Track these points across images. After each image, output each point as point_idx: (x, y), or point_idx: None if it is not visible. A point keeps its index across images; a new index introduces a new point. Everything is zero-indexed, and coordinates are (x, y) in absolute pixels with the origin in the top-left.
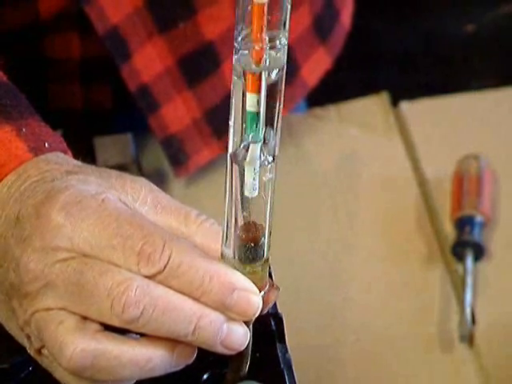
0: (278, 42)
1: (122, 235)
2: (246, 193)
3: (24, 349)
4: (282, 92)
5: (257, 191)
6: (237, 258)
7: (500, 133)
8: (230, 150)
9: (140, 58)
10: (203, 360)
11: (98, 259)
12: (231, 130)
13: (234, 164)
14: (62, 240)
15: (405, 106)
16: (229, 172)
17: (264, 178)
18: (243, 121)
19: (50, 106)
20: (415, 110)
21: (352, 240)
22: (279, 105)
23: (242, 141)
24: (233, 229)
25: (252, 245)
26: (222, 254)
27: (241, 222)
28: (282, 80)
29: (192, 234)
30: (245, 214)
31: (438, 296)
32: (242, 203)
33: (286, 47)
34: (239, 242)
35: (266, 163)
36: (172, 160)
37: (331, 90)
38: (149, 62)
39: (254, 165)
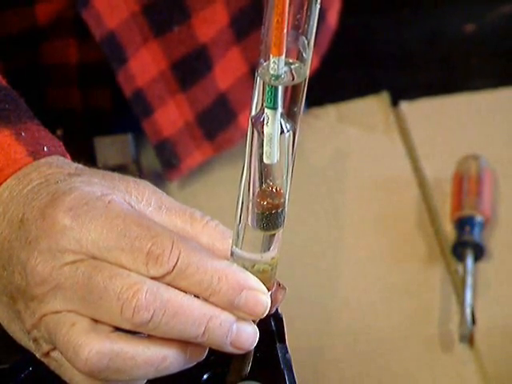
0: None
1: (129, 236)
2: (265, 159)
3: (24, 349)
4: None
5: (275, 158)
6: (256, 225)
7: (500, 133)
8: (252, 113)
9: (135, 63)
10: (204, 360)
11: (107, 261)
12: (255, 94)
13: (254, 129)
14: (69, 242)
15: (404, 105)
16: (249, 137)
17: (283, 146)
18: (264, 89)
19: (48, 109)
20: (415, 109)
21: (351, 240)
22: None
23: (262, 106)
24: (251, 197)
25: (272, 211)
26: (231, 253)
27: (259, 189)
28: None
29: (198, 235)
30: (268, 181)
31: (438, 296)
32: (260, 170)
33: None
34: (259, 210)
35: (285, 130)
36: (165, 164)
37: (331, 90)
38: (144, 66)
39: (272, 131)
